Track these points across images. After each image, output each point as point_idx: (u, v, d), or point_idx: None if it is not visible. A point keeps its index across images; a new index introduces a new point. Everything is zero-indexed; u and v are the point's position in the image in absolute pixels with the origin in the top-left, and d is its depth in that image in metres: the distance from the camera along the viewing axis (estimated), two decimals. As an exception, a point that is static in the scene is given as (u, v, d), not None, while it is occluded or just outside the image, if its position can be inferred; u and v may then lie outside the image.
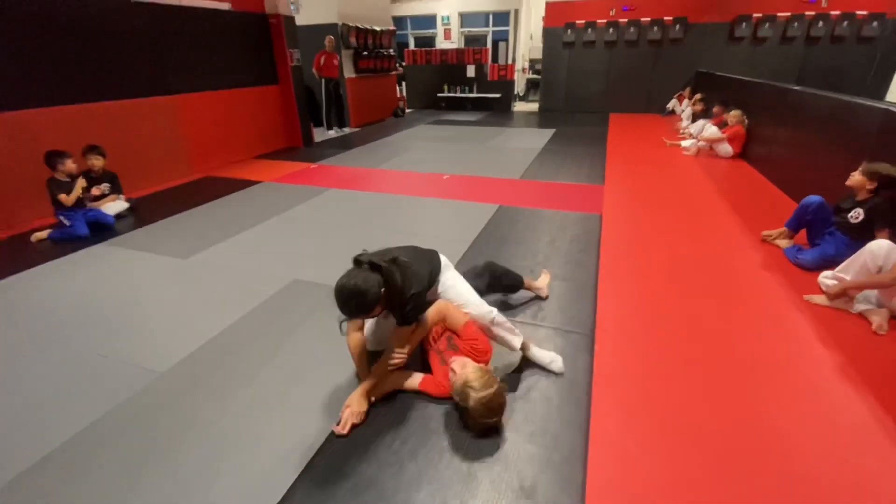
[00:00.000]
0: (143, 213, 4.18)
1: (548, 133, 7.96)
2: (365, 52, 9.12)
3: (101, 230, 3.72)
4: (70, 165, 3.67)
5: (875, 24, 8.31)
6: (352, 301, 1.52)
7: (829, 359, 2.06)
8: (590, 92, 10.51)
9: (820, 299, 2.51)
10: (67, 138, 4.03)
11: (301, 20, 7.66)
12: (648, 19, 9.52)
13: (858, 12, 8.35)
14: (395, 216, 4.04)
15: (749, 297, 2.62)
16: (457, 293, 1.96)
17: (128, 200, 4.19)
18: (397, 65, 11.38)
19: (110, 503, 1.43)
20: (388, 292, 1.59)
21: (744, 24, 8.90)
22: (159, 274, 3.00)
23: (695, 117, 7.22)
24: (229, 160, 6.01)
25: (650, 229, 3.60)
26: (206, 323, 2.39)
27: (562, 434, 1.66)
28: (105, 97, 4.55)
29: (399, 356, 1.75)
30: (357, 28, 8.75)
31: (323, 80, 7.95)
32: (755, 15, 8.79)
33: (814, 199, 3.02)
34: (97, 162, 3.97)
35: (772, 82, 5.76)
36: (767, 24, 8.78)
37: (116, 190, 4.13)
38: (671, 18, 9.33)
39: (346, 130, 8.65)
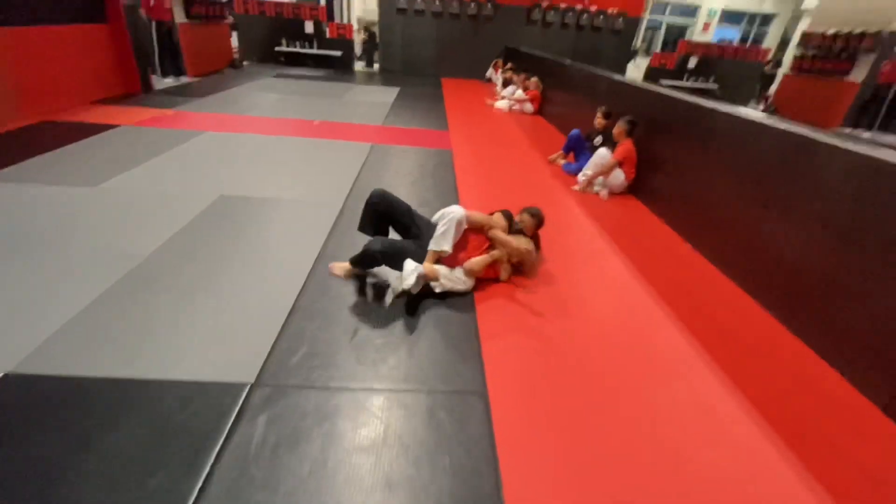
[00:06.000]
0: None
1: (394, 91, 9.01)
2: (196, -4, 8.58)
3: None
4: None
5: (620, 20, 11.47)
6: None
7: (578, 209, 3.77)
8: (423, 57, 11.79)
9: (578, 187, 4.29)
10: None
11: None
12: (467, -4, 11.14)
13: (609, 10, 11.39)
14: (285, 152, 4.65)
15: (542, 189, 4.27)
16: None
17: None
18: (227, 13, 10.78)
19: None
20: None
21: (536, 9, 11.22)
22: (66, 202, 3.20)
23: (506, 83, 9.13)
24: (64, 104, 5.45)
25: (484, 157, 5.10)
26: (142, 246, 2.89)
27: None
28: None
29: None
30: (185, -33, 8.18)
31: (153, 23, 7.40)
32: (544, 3, 11.18)
33: (575, 131, 4.86)
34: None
35: (554, 57, 7.87)
36: (553, 12, 11.27)
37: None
38: (484, -2, 11.13)
39: (184, 80, 8.19)
